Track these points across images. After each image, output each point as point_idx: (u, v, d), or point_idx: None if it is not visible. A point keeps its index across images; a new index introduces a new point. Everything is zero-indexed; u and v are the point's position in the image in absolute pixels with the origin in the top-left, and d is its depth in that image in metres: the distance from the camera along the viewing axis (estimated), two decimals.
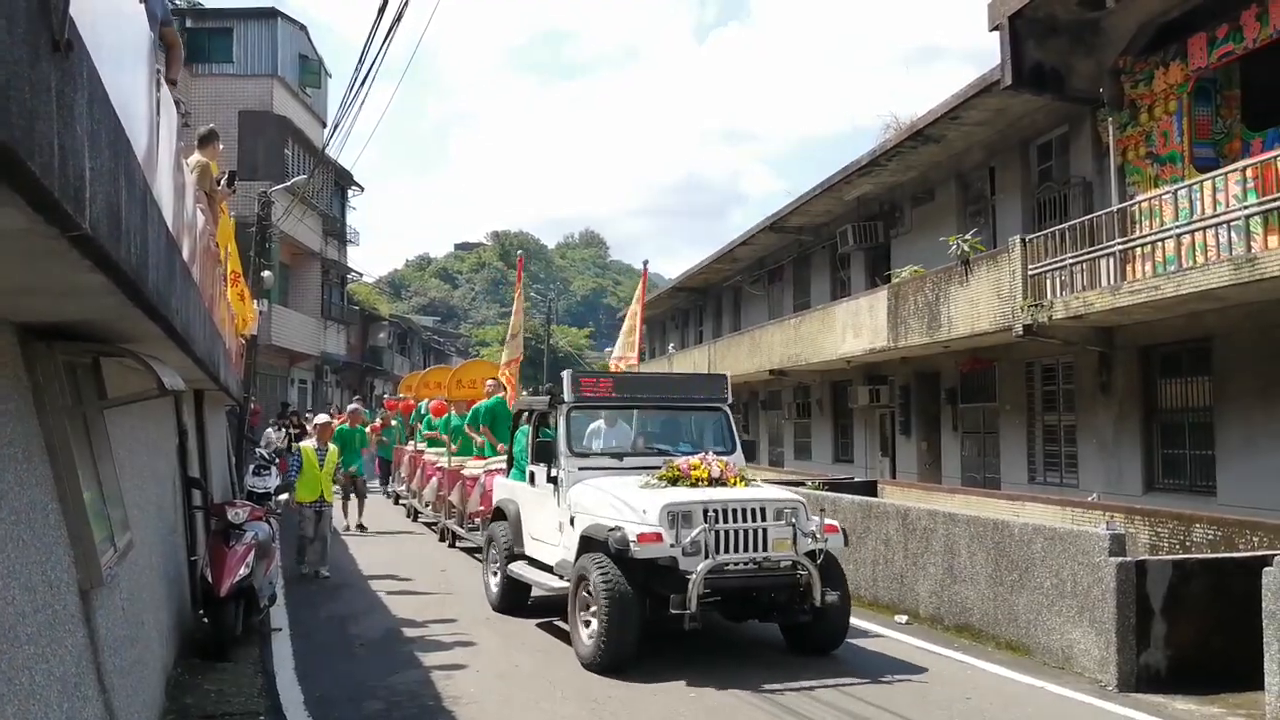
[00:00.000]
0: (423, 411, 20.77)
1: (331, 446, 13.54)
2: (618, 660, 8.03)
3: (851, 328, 21.74)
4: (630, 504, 8.43)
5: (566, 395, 9.80)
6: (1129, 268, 14.01)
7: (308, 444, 13.46)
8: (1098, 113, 16.24)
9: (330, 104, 40.31)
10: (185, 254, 5.43)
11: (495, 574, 10.89)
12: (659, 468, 9.13)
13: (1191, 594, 8.00)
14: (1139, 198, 14.52)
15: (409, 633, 9.92)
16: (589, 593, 8.22)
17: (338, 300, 45.21)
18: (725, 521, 8.17)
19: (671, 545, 8.02)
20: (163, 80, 4.34)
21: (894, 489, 16.34)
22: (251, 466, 15.12)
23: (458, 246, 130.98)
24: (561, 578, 9.22)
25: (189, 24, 34.66)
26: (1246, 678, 7.30)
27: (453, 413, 17.61)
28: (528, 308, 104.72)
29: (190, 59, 33.80)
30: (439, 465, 17.38)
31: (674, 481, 8.75)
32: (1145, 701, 7.53)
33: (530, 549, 10.30)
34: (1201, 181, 12.97)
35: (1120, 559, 7.95)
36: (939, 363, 21.36)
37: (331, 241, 42.85)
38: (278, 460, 16.31)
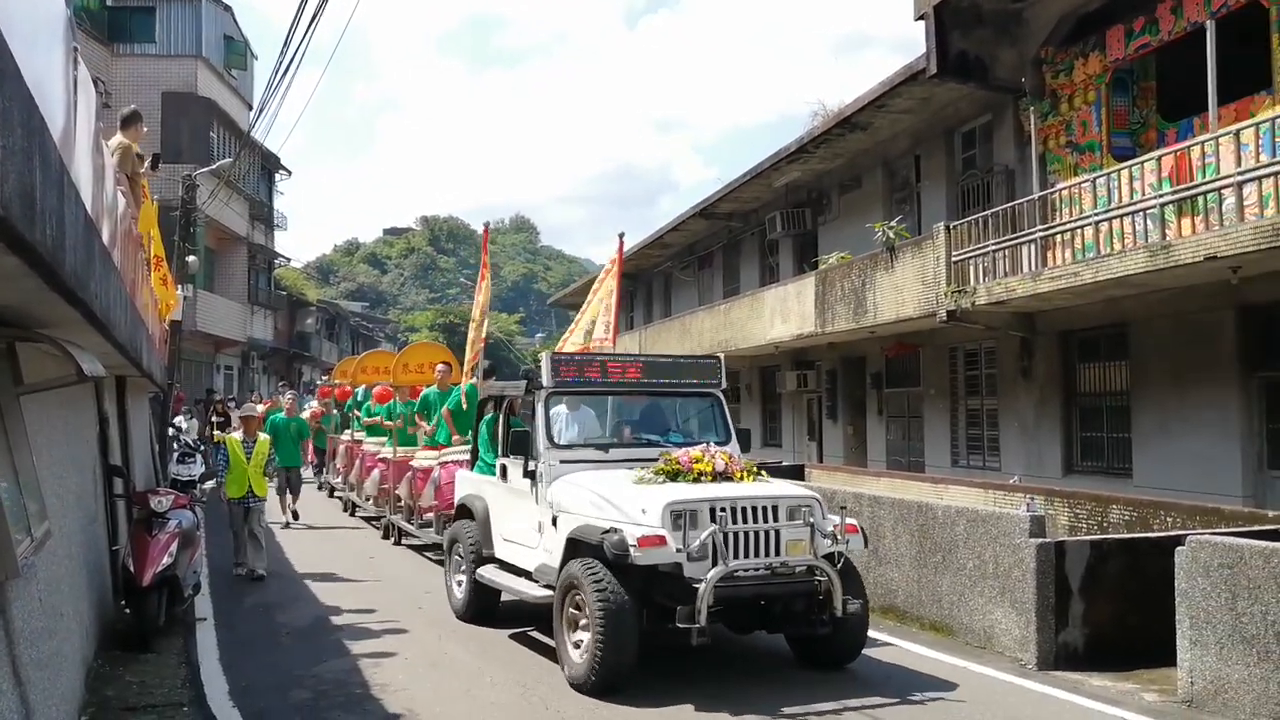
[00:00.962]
0: (360, 398, 19.59)
1: (262, 437, 12.66)
2: (614, 680, 7.10)
3: (780, 314, 21.94)
4: (626, 503, 7.45)
5: (545, 380, 8.79)
6: (1049, 254, 14.31)
7: (234, 436, 12.70)
8: (1020, 102, 16.55)
9: (256, 86, 39.61)
10: (105, 237, 5.31)
11: (460, 579, 9.87)
12: (648, 461, 8.26)
13: (1108, 574, 8.21)
14: (1059, 186, 14.84)
15: (337, 621, 9.84)
16: (579, 604, 7.32)
17: (265, 285, 44.56)
18: (735, 522, 7.22)
19: (678, 550, 7.04)
20: (79, 58, 4.25)
21: (821, 472, 16.53)
22: (175, 454, 14.84)
23: (386, 231, 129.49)
24: (541, 584, 8.34)
25: (109, 1, 33.79)
26: (1160, 654, 7.54)
27: (396, 400, 16.34)
28: (456, 294, 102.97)
29: (111, 38, 33.06)
30: (381, 456, 16.33)
31: (673, 476, 7.78)
32: (1063, 679, 7.72)
33: (502, 551, 9.33)
34: (1119, 170, 13.29)
35: (1040, 540, 8.13)
36: (865, 348, 21.64)
37: (258, 226, 42.20)
38: (202, 449, 16.05)
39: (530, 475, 8.58)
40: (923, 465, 19.45)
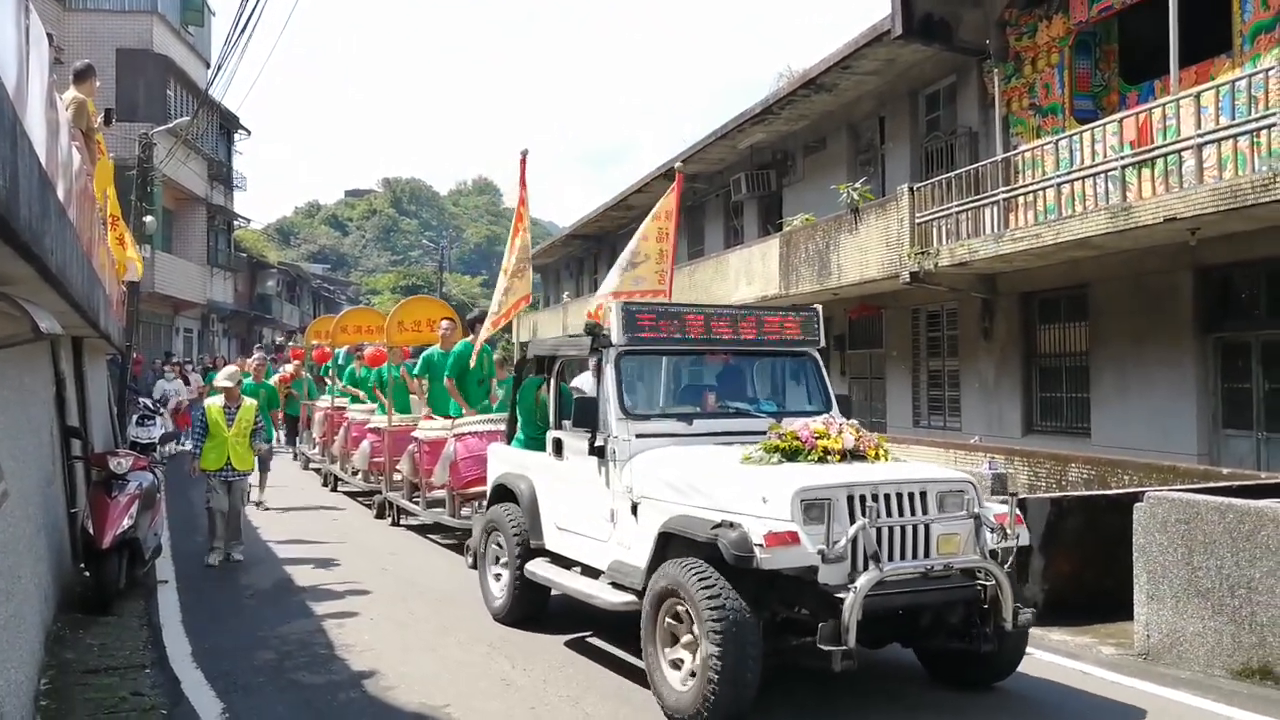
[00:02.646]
0: (341, 361, 18.11)
1: (247, 402, 11.17)
2: (734, 715, 5.63)
3: (744, 275, 21.95)
4: (737, 489, 6.00)
5: (615, 335, 7.21)
6: (1012, 216, 14.40)
7: (213, 401, 11.21)
8: (984, 64, 16.58)
9: (214, 44, 38.97)
10: (60, 193, 5.21)
11: (500, 574, 8.34)
12: (738, 435, 7.06)
13: (1067, 530, 8.34)
14: (1022, 148, 14.92)
15: (301, 583, 9.79)
16: (680, 616, 5.91)
17: (224, 247, 44.04)
18: (885, 514, 5.82)
19: (822, 550, 5.57)
20: (31, 7, 4.14)
21: None
22: (135, 416, 14.68)
23: (348, 193, 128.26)
24: (608, 583, 6.96)
25: None
26: (1117, 609, 7.69)
27: (390, 363, 14.68)
28: (419, 256, 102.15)
29: None
30: (372, 425, 14.60)
31: (790, 455, 6.30)
32: None
33: (555, 542, 7.80)
34: (1081, 133, 13.37)
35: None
36: (828, 310, 21.46)
37: (217, 186, 41.61)
38: (162, 412, 15.86)
39: (598, 452, 7.09)
40: (885, 426, 19.59)
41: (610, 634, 7.59)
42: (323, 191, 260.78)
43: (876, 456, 6.49)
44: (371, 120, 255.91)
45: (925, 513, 5.95)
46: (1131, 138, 12.46)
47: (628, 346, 7.26)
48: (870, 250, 17.12)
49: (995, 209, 14.52)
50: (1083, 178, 12.98)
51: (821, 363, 8.01)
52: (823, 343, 8.01)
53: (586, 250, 40.62)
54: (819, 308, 8.15)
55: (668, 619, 6.02)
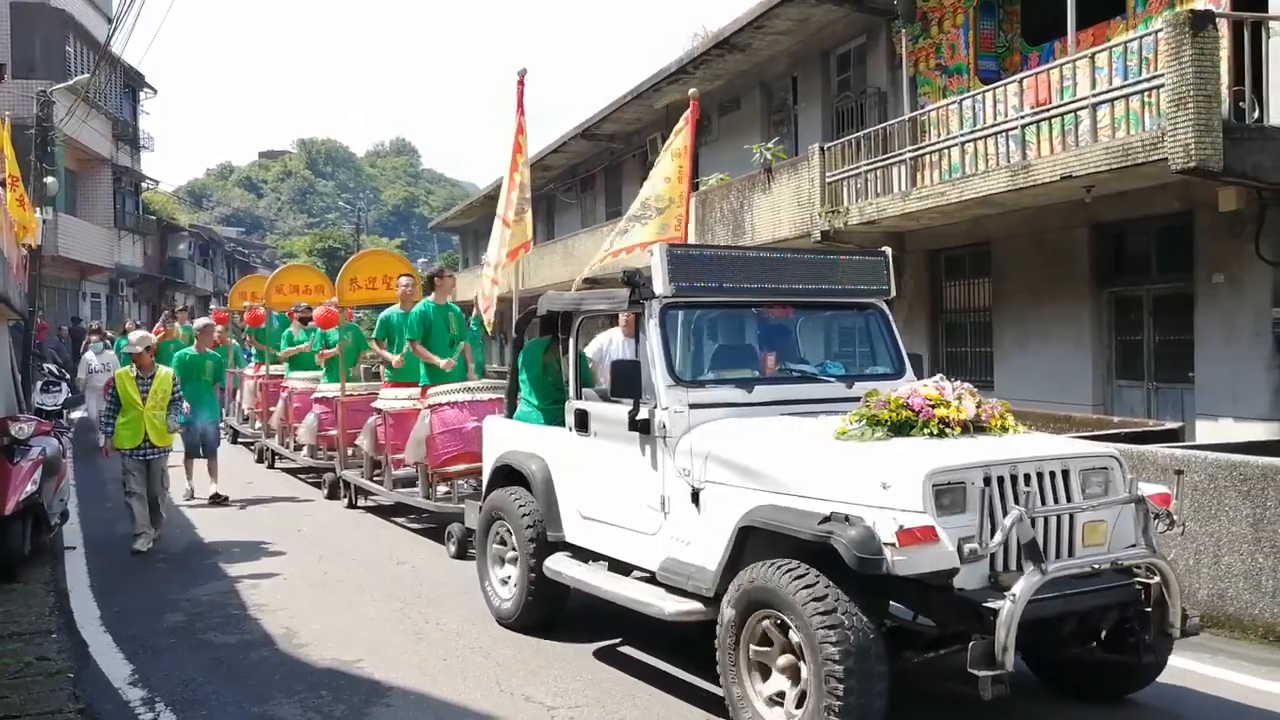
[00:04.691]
0: (277, 326, 16.36)
1: (162, 370, 9.85)
2: None
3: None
4: (842, 471, 4.82)
5: (659, 285, 5.88)
6: (919, 175, 14.67)
7: (126, 370, 9.81)
8: (892, 24, 16.79)
9: None
10: None
11: (508, 572, 7.05)
12: (807, 403, 5.96)
13: None
14: (928, 107, 15.18)
15: (214, 546, 9.77)
16: (774, 634, 4.80)
17: (132, 209, 43.02)
18: (1040, 502, 4.71)
19: (973, 548, 4.41)
20: None
21: None
22: (39, 383, 14.39)
23: (262, 154, 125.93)
24: (655, 583, 5.80)
25: None
26: None
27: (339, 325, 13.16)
28: (335, 218, 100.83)
29: None
30: (319, 395, 13.22)
31: (899, 429, 5.08)
32: None
33: (580, 534, 6.49)
34: (984, 93, 13.65)
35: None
36: None
37: (123, 147, 40.54)
38: (68, 378, 15.55)
39: (641, 427, 5.80)
40: None
41: (650, 644, 6.47)
42: (235, 153, 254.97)
43: (1003, 428, 5.26)
44: (285, 80, 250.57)
45: (1069, 495, 4.83)
46: (1033, 100, 12.76)
47: (675, 298, 5.94)
48: (783, 209, 17.32)
49: (903, 168, 14.78)
50: (985, 137, 13.26)
51: (891, 316, 6.79)
52: (893, 292, 6.76)
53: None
54: (888, 250, 6.85)
55: (756, 639, 4.90)
